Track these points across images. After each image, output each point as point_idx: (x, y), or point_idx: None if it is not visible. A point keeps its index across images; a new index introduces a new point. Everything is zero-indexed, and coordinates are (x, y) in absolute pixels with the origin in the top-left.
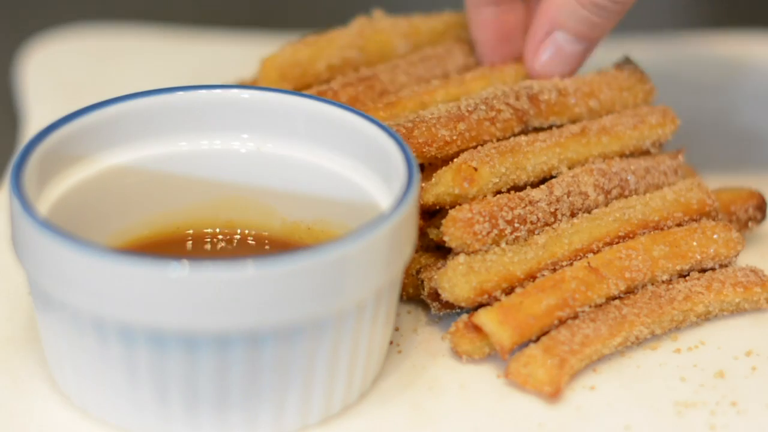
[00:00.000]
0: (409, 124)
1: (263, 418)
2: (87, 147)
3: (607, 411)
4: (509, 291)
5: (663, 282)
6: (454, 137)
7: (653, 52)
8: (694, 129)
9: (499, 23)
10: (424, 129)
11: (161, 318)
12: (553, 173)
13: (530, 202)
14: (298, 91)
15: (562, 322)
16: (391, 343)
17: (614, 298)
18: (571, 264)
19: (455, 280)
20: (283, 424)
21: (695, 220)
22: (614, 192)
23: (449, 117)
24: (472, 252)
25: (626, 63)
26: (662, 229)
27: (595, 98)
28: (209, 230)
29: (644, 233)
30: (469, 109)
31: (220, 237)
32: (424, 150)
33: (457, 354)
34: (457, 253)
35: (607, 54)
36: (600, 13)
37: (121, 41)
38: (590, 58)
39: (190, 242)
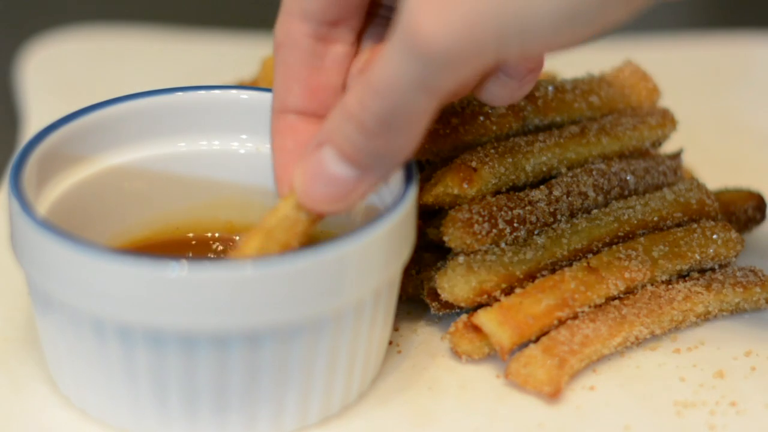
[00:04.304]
0: None
1: (262, 418)
2: (87, 147)
3: (607, 411)
4: (509, 291)
5: (662, 282)
6: (448, 131)
7: (654, 52)
8: (694, 129)
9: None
10: None
11: (160, 318)
12: (553, 173)
13: (530, 203)
14: None
15: (561, 322)
16: (390, 343)
17: (614, 298)
18: (571, 264)
19: (455, 280)
20: (281, 424)
21: (695, 221)
22: (613, 192)
23: (442, 113)
24: (472, 252)
25: (627, 65)
26: (662, 229)
27: (596, 95)
28: (209, 230)
29: (643, 233)
30: (462, 105)
31: (219, 237)
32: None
33: (456, 354)
34: (457, 253)
35: (607, 55)
36: (364, 137)
37: (120, 41)
38: (590, 60)
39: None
